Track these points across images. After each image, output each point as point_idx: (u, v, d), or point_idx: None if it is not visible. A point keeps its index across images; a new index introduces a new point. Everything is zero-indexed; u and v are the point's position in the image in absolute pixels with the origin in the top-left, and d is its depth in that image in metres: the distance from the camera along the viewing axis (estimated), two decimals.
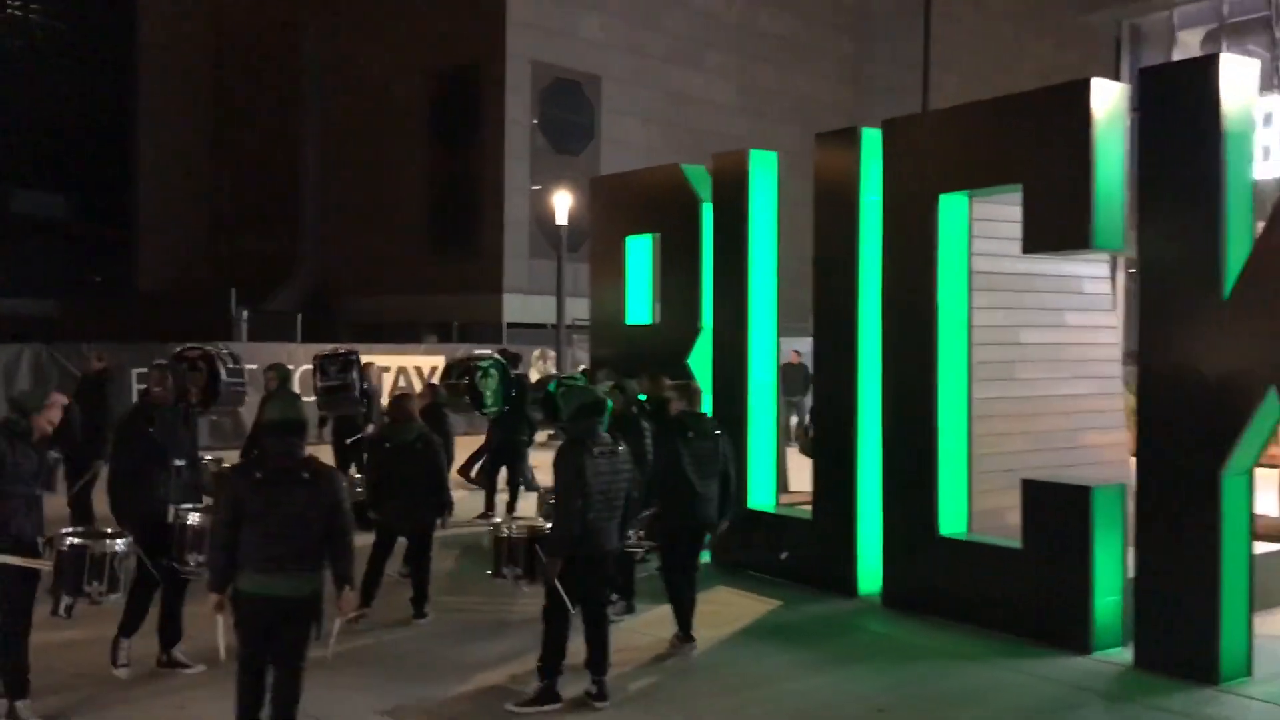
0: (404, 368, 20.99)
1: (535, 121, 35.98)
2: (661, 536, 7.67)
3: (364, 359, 12.68)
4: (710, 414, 10.03)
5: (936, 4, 45.67)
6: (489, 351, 12.66)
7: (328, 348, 13.96)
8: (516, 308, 34.88)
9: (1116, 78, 24.60)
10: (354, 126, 39.08)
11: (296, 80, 40.71)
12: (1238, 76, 6.70)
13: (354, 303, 38.40)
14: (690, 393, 7.90)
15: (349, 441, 12.21)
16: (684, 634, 7.35)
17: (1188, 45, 23.01)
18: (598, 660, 6.21)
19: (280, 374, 10.11)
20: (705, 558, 9.77)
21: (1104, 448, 9.08)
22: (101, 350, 13.12)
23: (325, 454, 10.61)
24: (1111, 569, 7.32)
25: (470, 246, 35.85)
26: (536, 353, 19.44)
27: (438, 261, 36.47)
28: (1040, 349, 8.87)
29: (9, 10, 44.47)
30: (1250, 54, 17.27)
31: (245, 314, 28.77)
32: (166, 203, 44.30)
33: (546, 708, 6.03)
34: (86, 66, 44.71)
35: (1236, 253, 6.59)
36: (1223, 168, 6.59)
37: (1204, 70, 6.72)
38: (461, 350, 22.30)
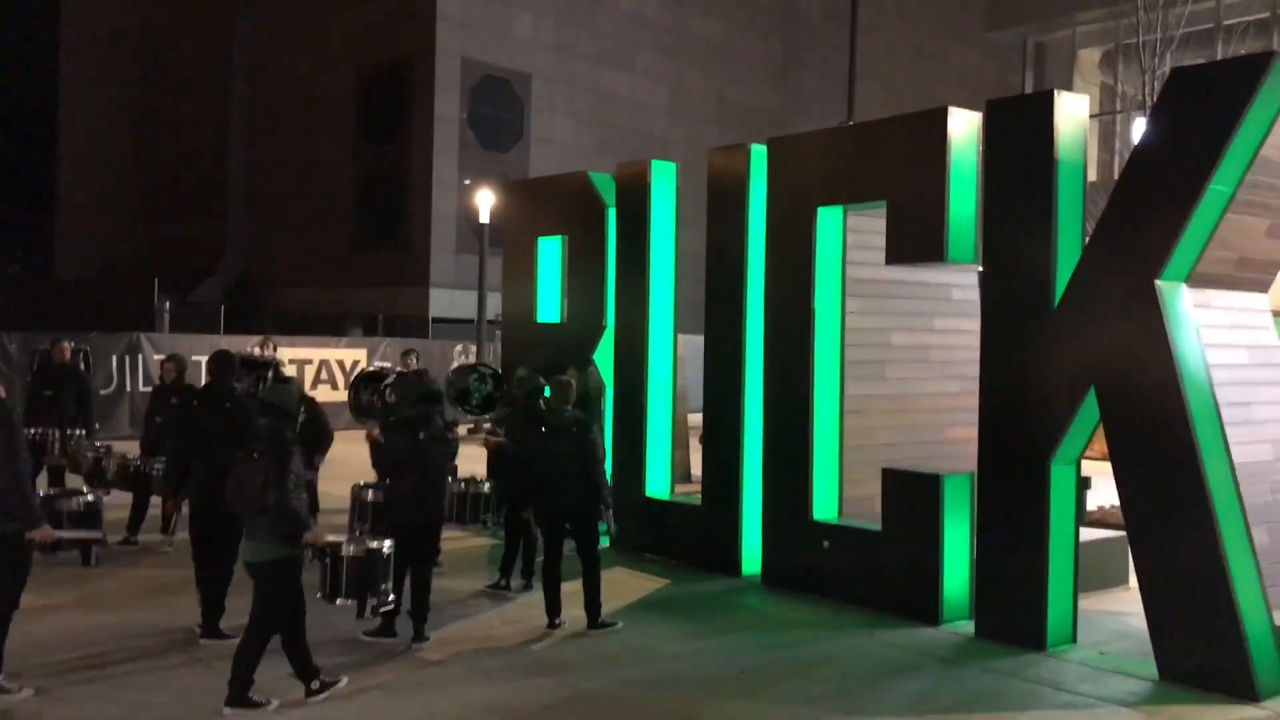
0: (326, 361, 21.34)
1: (464, 118, 36.32)
2: (538, 522, 8.30)
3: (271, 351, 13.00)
4: (608, 406, 10.76)
5: (862, 14, 46.87)
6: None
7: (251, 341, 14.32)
8: (443, 302, 35.23)
9: (1023, 92, 25.79)
10: (282, 118, 39.12)
11: (224, 69, 40.59)
12: (1071, 109, 7.53)
13: (279, 295, 38.44)
14: (560, 388, 8.24)
15: None
16: (551, 618, 7.81)
17: (1087, 63, 24.28)
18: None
19: (177, 365, 10.54)
20: (604, 543, 10.50)
21: (967, 442, 9.84)
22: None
23: None
24: (960, 548, 8.14)
25: (398, 241, 36.12)
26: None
27: (365, 255, 36.69)
28: (909, 350, 9.66)
29: None
30: (1142, 72, 18.40)
31: (168, 304, 28.83)
32: (89, 190, 43.86)
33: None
34: (7, 50, 44.06)
35: (1065, 266, 7.42)
36: (1054, 190, 7.42)
37: (1042, 103, 7.54)
38: (386, 344, 22.78)
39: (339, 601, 6.96)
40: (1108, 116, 22.89)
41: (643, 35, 41.71)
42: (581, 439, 7.92)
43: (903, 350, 9.64)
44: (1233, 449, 7.24)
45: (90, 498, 9.30)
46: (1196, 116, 6.82)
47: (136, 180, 44.17)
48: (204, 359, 13.14)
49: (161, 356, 19.20)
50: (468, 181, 31.58)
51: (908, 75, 46.25)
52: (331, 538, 6.99)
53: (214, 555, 7.37)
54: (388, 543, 7.21)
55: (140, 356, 18.72)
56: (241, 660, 5.98)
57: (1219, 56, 20.98)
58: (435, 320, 34.46)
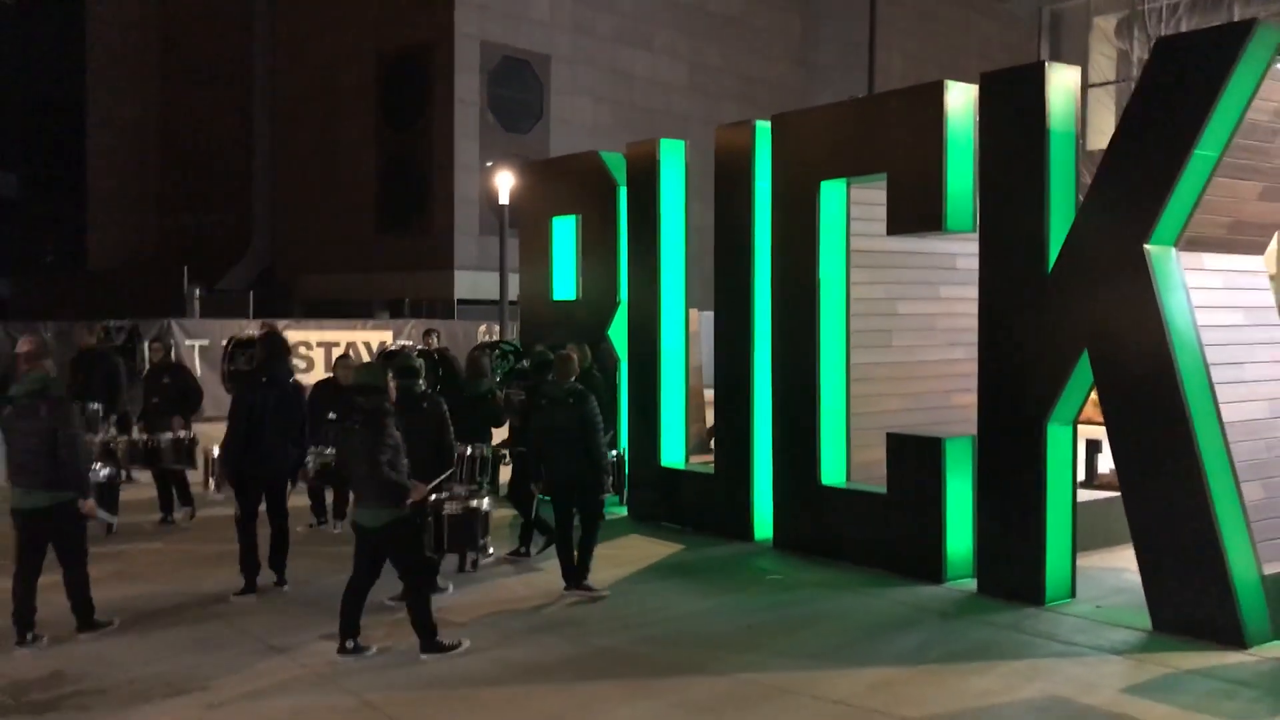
0: (353, 343, 21.78)
1: (484, 100, 36.59)
2: (545, 492, 8.62)
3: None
4: (622, 380, 11.05)
5: None
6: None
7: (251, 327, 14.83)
8: (467, 284, 35.62)
9: (1039, 60, 25.75)
10: (304, 106, 39.53)
11: (247, 60, 41.06)
12: (1062, 82, 7.73)
13: (307, 280, 38.97)
14: (560, 362, 8.43)
15: None
16: (568, 582, 8.07)
17: (1103, 30, 24.22)
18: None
19: (164, 346, 11.53)
20: (621, 511, 10.84)
21: (972, 407, 10.00)
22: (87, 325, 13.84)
23: None
24: (963, 509, 8.40)
25: (421, 224, 36.51)
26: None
27: (389, 239, 37.12)
28: (915, 319, 9.91)
29: None
30: (1149, 40, 18.39)
31: (197, 292, 29.39)
32: (118, 182, 44.53)
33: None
34: (37, 45, 44.72)
35: (1058, 234, 7.64)
36: (1046, 159, 7.64)
37: (1033, 75, 7.75)
38: (410, 325, 23.21)
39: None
40: (1124, 83, 22.85)
41: (660, 13, 41.77)
42: (579, 411, 8.06)
43: (908, 319, 9.88)
44: (1228, 407, 7.47)
45: (106, 472, 9.64)
46: (1182, 84, 7.01)
47: (163, 171, 44.79)
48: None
49: (193, 342, 19.78)
50: (490, 164, 31.91)
51: (928, 45, 46.14)
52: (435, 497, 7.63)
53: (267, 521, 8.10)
54: (486, 501, 8.11)
55: (173, 342, 19.19)
56: (417, 615, 6.64)
57: (1230, 19, 20.96)
58: (460, 302, 34.88)
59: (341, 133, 38.30)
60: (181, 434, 10.60)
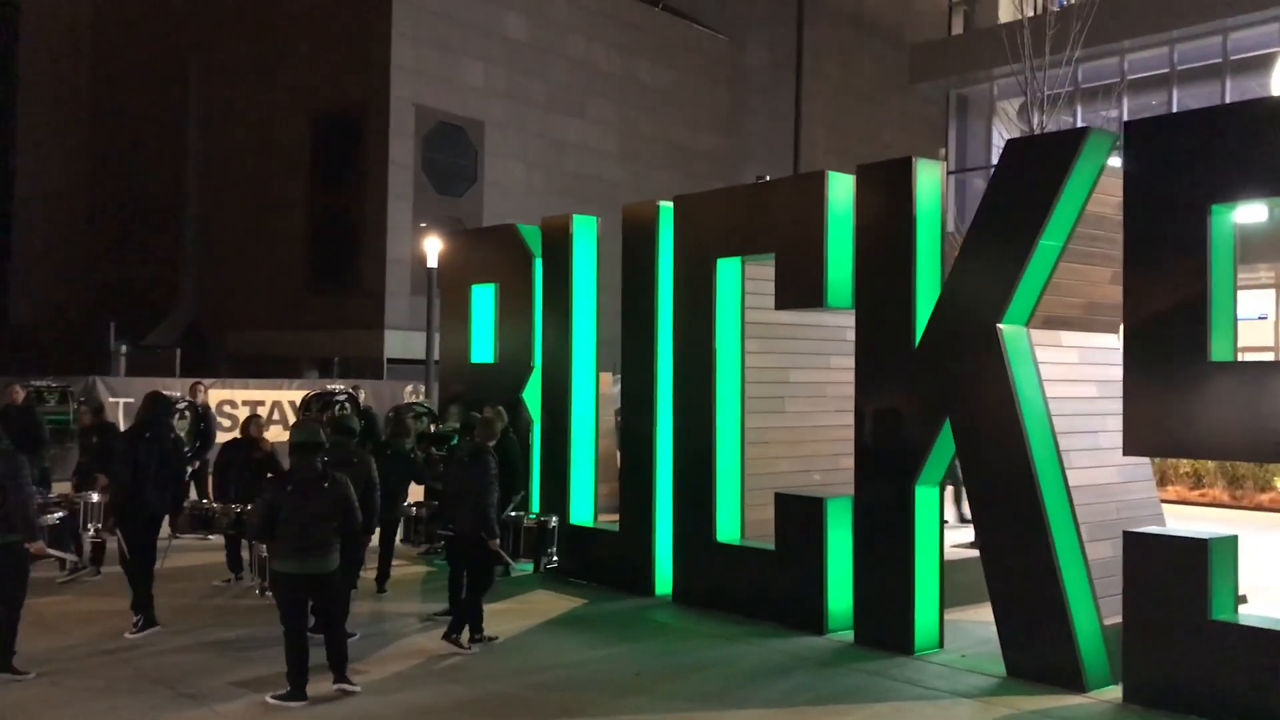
0: (279, 402, 22.01)
1: (418, 163, 37.18)
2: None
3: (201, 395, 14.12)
4: (536, 439, 11.60)
5: (807, 62, 48.56)
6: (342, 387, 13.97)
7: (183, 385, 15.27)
8: (398, 343, 35.90)
9: (945, 142, 27.17)
10: (237, 163, 39.82)
11: (180, 116, 41.28)
12: (928, 174, 8.54)
13: (235, 337, 38.97)
14: (483, 423, 9.01)
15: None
16: (449, 632, 8.41)
17: (1006, 112, 25.59)
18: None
19: (92, 406, 11.87)
20: (526, 568, 11.30)
21: None
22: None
23: None
24: (843, 564, 9.02)
25: (353, 283, 36.82)
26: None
27: (320, 298, 37.35)
28: (807, 386, 10.59)
29: None
30: (1059, 123, 19.71)
31: (124, 348, 29.38)
32: (43, 236, 44.28)
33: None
34: None
35: (924, 310, 8.39)
36: (913, 244, 8.41)
37: (902, 169, 8.54)
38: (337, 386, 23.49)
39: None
40: None
41: (593, 83, 42.86)
42: (474, 468, 8.54)
43: (801, 386, 10.56)
44: (1081, 472, 8.23)
45: (60, 515, 10.14)
46: (1027, 182, 7.83)
47: (92, 226, 44.64)
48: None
49: (118, 400, 19.90)
50: (423, 224, 32.46)
51: (851, 119, 47.82)
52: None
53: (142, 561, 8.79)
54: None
55: (99, 402, 19.30)
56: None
57: (1116, 110, 22.39)
58: (390, 361, 35.16)
59: (274, 191, 38.62)
60: (104, 494, 10.94)
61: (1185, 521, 10.33)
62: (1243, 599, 9.46)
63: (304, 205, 38.04)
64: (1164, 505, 9.37)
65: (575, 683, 7.57)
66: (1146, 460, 9.14)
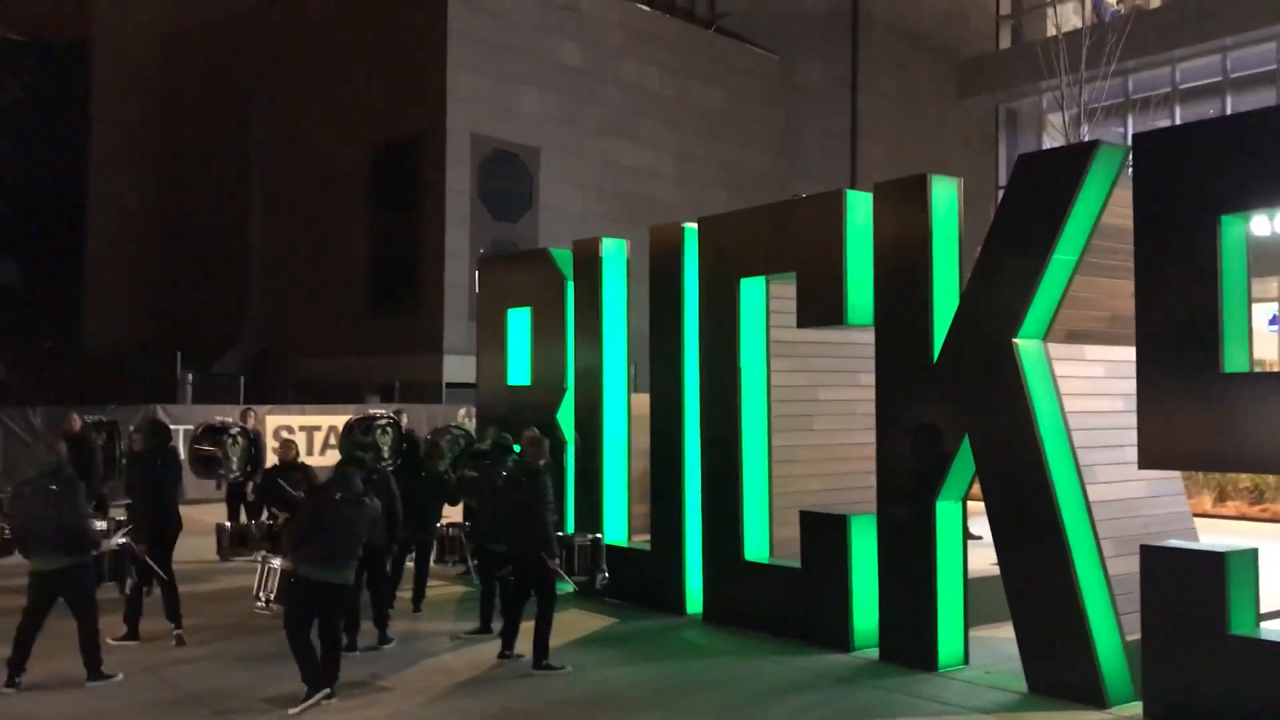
0: (334, 427, 22.45)
1: (474, 190, 37.74)
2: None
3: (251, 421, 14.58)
4: (569, 460, 11.76)
5: (862, 78, 48.43)
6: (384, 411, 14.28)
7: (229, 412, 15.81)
8: (456, 367, 36.35)
9: (996, 157, 26.94)
10: (299, 193, 40.74)
11: (244, 148, 42.36)
12: (944, 191, 8.56)
13: (298, 364, 39.78)
14: (528, 443, 9.06)
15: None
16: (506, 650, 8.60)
17: (1056, 126, 25.33)
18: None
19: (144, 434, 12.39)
20: (566, 587, 11.42)
21: None
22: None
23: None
24: (868, 581, 9.02)
25: (412, 309, 37.38)
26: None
27: (381, 324, 37.97)
28: (835, 404, 10.63)
29: None
30: (1109, 135, 19.53)
31: (190, 376, 30.16)
32: (115, 267, 45.63)
33: None
34: (39, 135, 46.16)
35: (941, 327, 8.40)
36: (930, 261, 8.43)
37: (918, 186, 8.57)
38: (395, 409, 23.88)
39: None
40: None
41: (646, 106, 43.13)
42: (530, 488, 8.61)
43: (829, 404, 10.61)
44: (1105, 487, 8.19)
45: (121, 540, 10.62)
46: (1039, 196, 7.83)
47: (160, 257, 45.92)
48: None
49: (178, 427, 20.51)
50: (481, 250, 32.86)
51: (906, 134, 47.48)
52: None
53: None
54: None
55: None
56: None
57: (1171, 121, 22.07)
58: (449, 385, 35.63)
59: (335, 219, 39.43)
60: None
61: (1222, 536, 10.17)
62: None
63: (364, 233, 38.77)
64: (1223, 522, 9.27)
65: (594, 699, 7.68)
66: (1176, 474, 9.05)
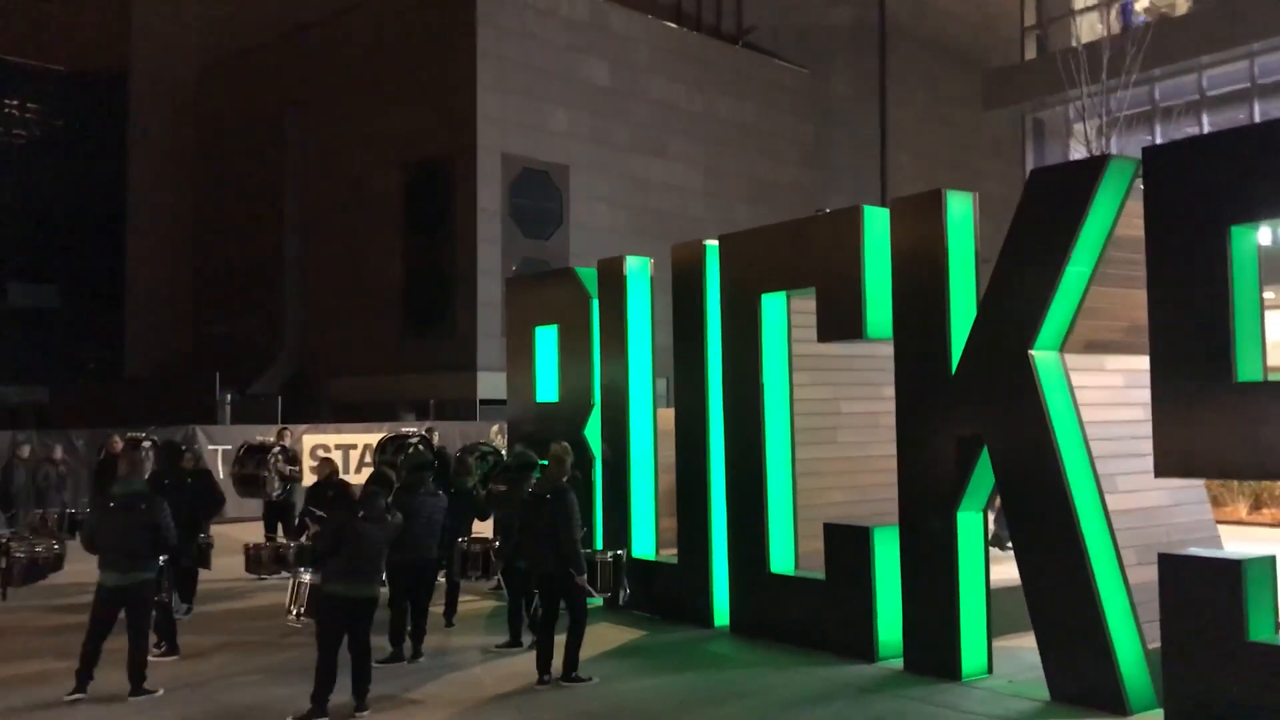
0: (369, 445, 22.75)
1: (505, 209, 38.12)
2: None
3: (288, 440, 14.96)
4: (597, 476, 11.90)
5: (891, 90, 48.41)
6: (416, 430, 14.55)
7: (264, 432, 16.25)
8: (490, 384, 36.66)
9: (1023, 167, 26.90)
10: (333, 215, 41.31)
11: (279, 173, 43.04)
12: (959, 206, 8.67)
13: (335, 384, 40.26)
14: (553, 460, 9.22)
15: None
16: (543, 673, 8.56)
17: (1083, 135, 25.28)
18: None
19: (195, 455, 12.83)
20: (595, 602, 11.58)
21: None
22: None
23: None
24: (892, 592, 9.11)
25: (445, 328, 37.78)
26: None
27: (415, 343, 38.39)
28: (859, 417, 10.71)
29: (6, 109, 46.98)
30: (1136, 143, 19.51)
31: (229, 397, 30.66)
32: (155, 291, 46.45)
33: None
34: (79, 160, 47.14)
35: (959, 339, 8.50)
36: (946, 274, 8.54)
37: (933, 202, 8.69)
38: (427, 426, 24.17)
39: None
40: None
41: (674, 122, 43.37)
42: (555, 506, 8.63)
43: (852, 417, 10.70)
44: (1128, 496, 8.24)
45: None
46: (1052, 209, 7.93)
47: (198, 280, 46.68)
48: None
49: (216, 447, 20.89)
50: (515, 268, 33.17)
51: (938, 145, 47.40)
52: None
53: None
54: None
55: (196, 448, 20.26)
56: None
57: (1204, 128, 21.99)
58: (483, 402, 35.95)
59: (369, 240, 39.94)
60: (200, 536, 11.63)
61: (1255, 544, 10.16)
62: None
63: (398, 254, 39.24)
64: (1259, 530, 9.20)
65: (618, 711, 7.82)
66: (1199, 482, 9.08)
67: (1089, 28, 25.27)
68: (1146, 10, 24.06)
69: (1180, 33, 20.14)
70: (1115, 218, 7.85)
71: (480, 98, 37.43)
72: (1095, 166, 7.73)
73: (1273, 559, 7.11)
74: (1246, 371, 6.91)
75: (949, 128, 47.47)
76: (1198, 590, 7.05)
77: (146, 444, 13.65)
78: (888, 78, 48.44)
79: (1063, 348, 8.15)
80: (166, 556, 8.65)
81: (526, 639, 9.76)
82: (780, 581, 9.96)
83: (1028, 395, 7.93)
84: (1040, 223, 8.00)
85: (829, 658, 9.16)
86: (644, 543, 11.68)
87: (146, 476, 8.84)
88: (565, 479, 9.01)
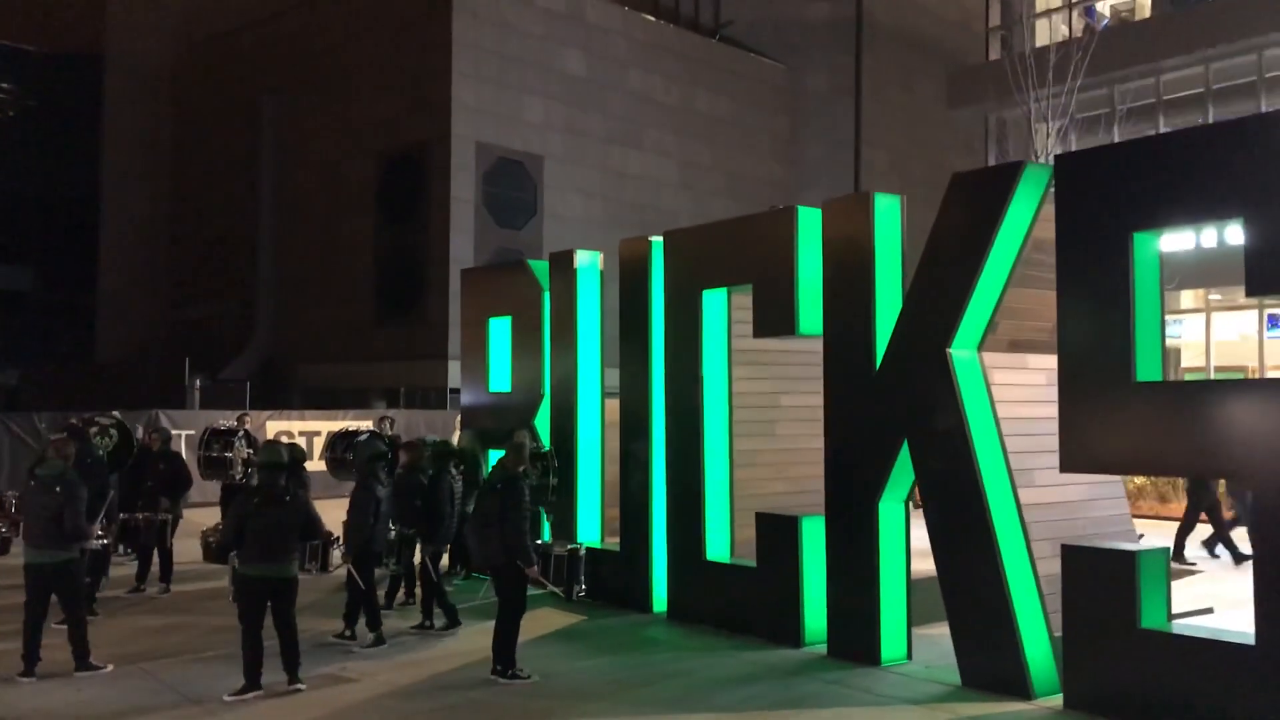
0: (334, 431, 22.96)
1: (479, 198, 38.26)
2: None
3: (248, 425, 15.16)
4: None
5: (866, 85, 48.76)
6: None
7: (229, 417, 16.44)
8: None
9: (985, 164, 27.26)
10: (307, 202, 41.37)
11: (254, 158, 43.05)
12: (887, 208, 8.97)
13: (306, 371, 40.37)
14: (510, 449, 9.13)
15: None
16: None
17: (1043, 135, 25.66)
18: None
19: (163, 435, 12.82)
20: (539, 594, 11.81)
21: None
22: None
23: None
24: (819, 579, 9.43)
25: (418, 316, 37.94)
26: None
27: (387, 331, 38.55)
28: (798, 410, 11.02)
29: None
30: (1098, 143, 19.89)
31: (198, 382, 30.76)
32: (128, 275, 46.38)
33: None
34: (53, 142, 46.98)
35: (883, 337, 8.81)
36: (872, 274, 8.85)
37: (862, 203, 8.99)
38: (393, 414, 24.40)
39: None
40: None
41: (650, 114, 43.56)
42: (503, 496, 8.61)
43: (792, 410, 11.00)
44: (1045, 490, 8.57)
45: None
46: (970, 213, 8.24)
47: (171, 264, 46.65)
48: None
49: (179, 432, 21.03)
50: (488, 258, 33.33)
51: (911, 142, 47.79)
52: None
53: None
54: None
55: (165, 427, 20.40)
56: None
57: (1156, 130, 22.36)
58: (453, 390, 36.15)
59: (343, 227, 40.02)
60: (165, 515, 11.98)
61: (1166, 538, 10.50)
62: (1208, 610, 9.70)
63: (371, 241, 39.34)
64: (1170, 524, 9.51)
65: (551, 690, 8.11)
66: (1116, 478, 9.43)
67: (1056, 30, 25.63)
68: (1110, 14, 24.45)
69: (1138, 37, 20.49)
70: (1031, 222, 8.16)
71: (456, 86, 37.52)
72: (1011, 172, 8.05)
73: (1166, 551, 7.46)
74: (1146, 371, 7.24)
75: (923, 124, 47.83)
76: (1095, 580, 7.39)
77: (107, 422, 13.87)
78: (864, 74, 48.79)
79: (982, 347, 8.46)
80: (75, 542, 8.56)
81: (438, 621, 10.12)
82: (715, 569, 10.27)
83: (945, 393, 8.25)
84: (958, 226, 8.31)
85: (759, 642, 9.48)
86: (590, 531, 11.96)
87: (70, 460, 8.98)
88: (521, 468, 8.98)
